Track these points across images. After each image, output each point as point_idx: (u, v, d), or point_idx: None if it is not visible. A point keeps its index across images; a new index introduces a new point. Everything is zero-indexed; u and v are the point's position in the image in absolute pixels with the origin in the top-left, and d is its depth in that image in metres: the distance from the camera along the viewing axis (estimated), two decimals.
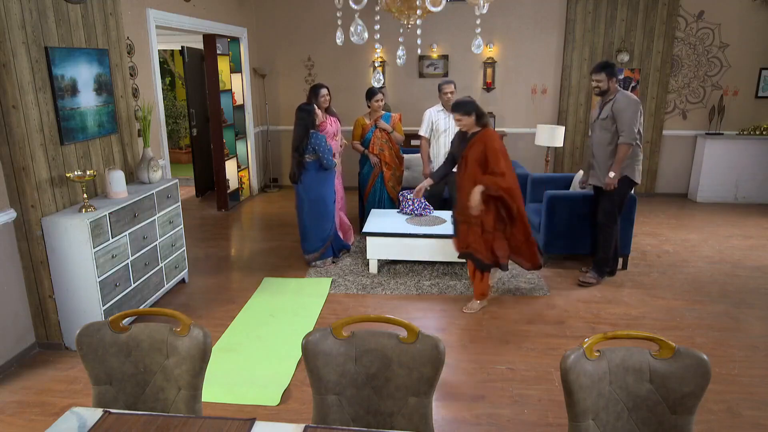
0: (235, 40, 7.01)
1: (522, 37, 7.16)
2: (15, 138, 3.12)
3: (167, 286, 4.24)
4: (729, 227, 6.00)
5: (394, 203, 5.47)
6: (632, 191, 4.44)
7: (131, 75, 4.54)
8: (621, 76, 6.90)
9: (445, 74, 7.33)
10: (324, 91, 5.06)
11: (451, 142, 4.20)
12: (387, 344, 1.81)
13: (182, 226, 4.44)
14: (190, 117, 7.26)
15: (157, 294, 4.08)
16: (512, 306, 4.12)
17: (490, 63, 7.25)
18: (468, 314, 3.98)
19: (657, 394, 1.65)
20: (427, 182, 4.22)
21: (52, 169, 3.37)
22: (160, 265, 4.11)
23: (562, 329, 3.76)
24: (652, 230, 5.91)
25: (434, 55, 7.33)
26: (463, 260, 4.18)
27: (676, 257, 5.11)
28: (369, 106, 5.36)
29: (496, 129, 7.24)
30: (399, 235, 4.62)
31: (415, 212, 5.05)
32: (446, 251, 4.60)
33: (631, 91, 6.92)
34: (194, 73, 7.20)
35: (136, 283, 3.79)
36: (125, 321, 1.89)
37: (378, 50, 7.30)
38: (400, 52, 3.05)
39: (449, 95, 4.98)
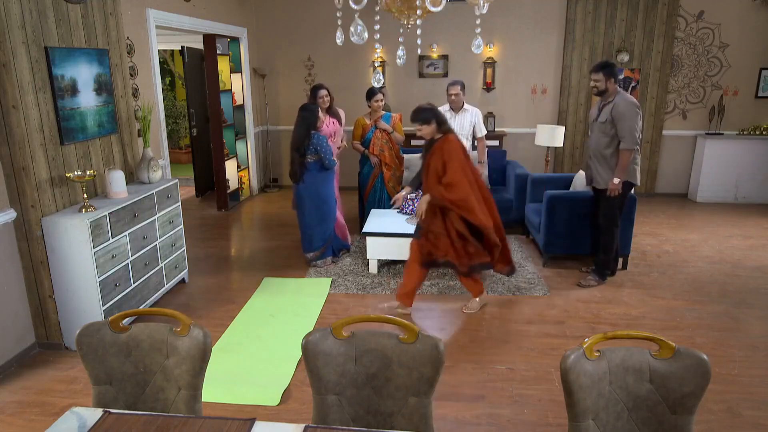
0: (235, 40, 7.01)
1: (522, 37, 7.16)
2: (15, 138, 3.12)
3: (167, 286, 4.24)
4: (729, 227, 6.00)
5: None
6: (632, 191, 4.44)
7: (131, 75, 4.54)
8: (621, 76, 6.90)
9: (445, 74, 7.34)
10: (323, 92, 5.05)
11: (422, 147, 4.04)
12: (387, 344, 1.81)
13: (182, 226, 4.44)
14: (190, 117, 7.26)
15: (157, 294, 4.08)
16: (512, 306, 4.12)
17: (490, 63, 7.25)
18: (468, 314, 3.98)
19: (657, 394, 1.65)
20: (405, 191, 4.05)
21: (52, 169, 3.37)
22: (160, 265, 4.11)
23: (562, 329, 3.76)
24: (652, 230, 5.91)
25: (434, 55, 7.33)
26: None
27: (676, 257, 5.11)
28: (369, 106, 5.37)
29: (496, 129, 7.26)
30: (399, 235, 4.62)
31: (415, 212, 5.04)
32: None
33: (631, 92, 6.95)
34: (194, 73, 7.20)
35: (136, 283, 3.79)
36: (125, 321, 1.89)
37: (378, 50, 7.30)
38: (400, 52, 3.05)
39: (453, 97, 4.99)
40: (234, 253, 5.51)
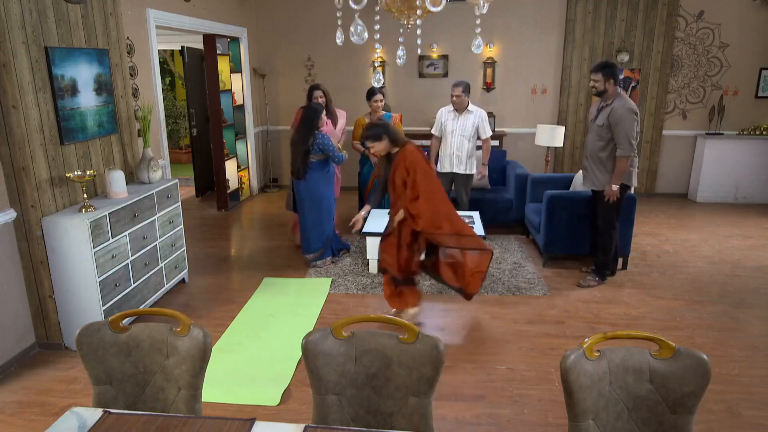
0: (235, 40, 7.01)
1: (522, 37, 7.16)
2: (15, 138, 3.12)
3: (167, 286, 4.24)
4: (729, 227, 6.00)
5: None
6: (632, 191, 4.44)
7: (131, 75, 4.54)
8: (621, 76, 6.89)
9: (445, 74, 7.34)
10: (318, 92, 5.07)
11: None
12: (387, 344, 1.81)
13: (182, 226, 4.44)
14: (190, 117, 7.26)
15: (157, 294, 4.08)
16: (512, 306, 4.12)
17: (490, 63, 7.25)
18: (468, 314, 3.98)
19: (657, 394, 1.65)
20: (365, 211, 3.84)
21: (52, 169, 3.37)
22: (160, 265, 4.11)
23: (562, 329, 3.76)
24: (652, 230, 5.91)
25: (434, 55, 7.33)
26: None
27: (676, 257, 5.11)
28: (370, 106, 5.37)
29: (496, 129, 7.25)
30: None
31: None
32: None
33: (631, 92, 6.94)
34: (194, 73, 7.20)
35: (136, 283, 3.79)
36: (125, 321, 1.89)
37: (378, 50, 7.30)
38: (400, 52, 3.05)
39: (455, 98, 4.99)
40: (234, 253, 5.51)
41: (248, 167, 7.58)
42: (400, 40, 3.04)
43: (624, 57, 6.91)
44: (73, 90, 3.54)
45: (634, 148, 4.08)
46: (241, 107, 7.29)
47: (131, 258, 3.72)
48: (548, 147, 6.41)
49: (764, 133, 6.87)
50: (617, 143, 4.08)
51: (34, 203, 3.25)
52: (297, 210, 5.04)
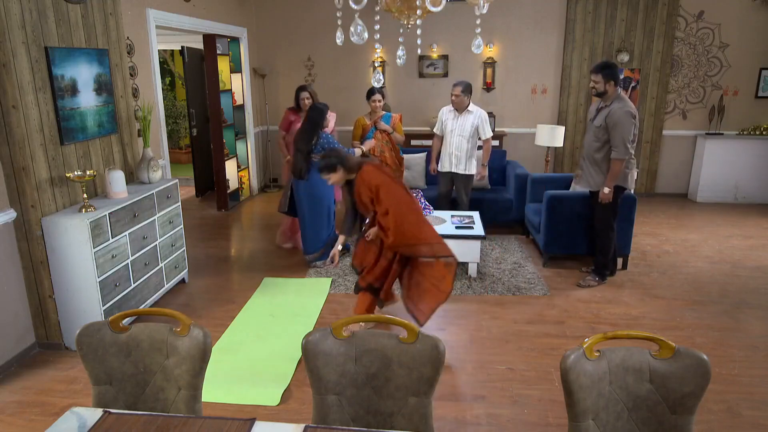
0: (235, 40, 7.01)
1: (522, 37, 7.16)
2: (15, 138, 3.12)
3: (167, 286, 4.24)
4: (729, 227, 6.00)
5: None
6: (632, 191, 4.44)
7: (131, 75, 4.54)
8: (621, 76, 6.89)
9: (445, 74, 7.34)
10: (305, 93, 5.11)
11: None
12: (387, 344, 1.81)
13: (182, 226, 4.44)
14: (190, 117, 7.26)
15: (157, 294, 4.08)
16: (512, 306, 4.12)
17: (490, 63, 7.25)
18: (468, 314, 3.98)
19: (657, 394, 1.65)
20: (339, 243, 3.65)
21: (52, 169, 3.37)
22: (160, 265, 4.11)
23: (562, 329, 3.76)
24: (652, 230, 5.91)
25: (434, 55, 7.33)
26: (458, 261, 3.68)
27: (676, 257, 5.11)
28: (369, 106, 5.37)
29: (496, 129, 7.26)
30: None
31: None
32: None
33: (631, 92, 6.94)
34: (194, 73, 7.20)
35: (136, 283, 3.79)
36: (125, 321, 1.89)
37: (378, 50, 7.30)
38: (400, 52, 3.05)
39: (454, 98, 4.99)
40: (234, 253, 5.51)
41: (248, 167, 7.58)
42: (400, 40, 3.05)
43: (624, 57, 6.91)
44: (73, 90, 3.54)
45: (630, 152, 4.05)
46: (241, 107, 7.29)
47: (131, 258, 3.72)
48: (548, 147, 6.41)
49: (764, 133, 6.87)
50: (612, 145, 4.07)
51: (34, 203, 3.25)
52: (290, 212, 5.04)
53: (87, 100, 3.67)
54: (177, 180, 4.39)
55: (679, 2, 6.73)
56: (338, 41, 2.81)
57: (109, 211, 3.47)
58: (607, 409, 1.65)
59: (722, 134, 6.95)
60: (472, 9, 3.18)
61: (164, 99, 8.09)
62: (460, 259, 4.63)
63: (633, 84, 7.00)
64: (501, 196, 5.79)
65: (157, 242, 4.04)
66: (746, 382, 3.12)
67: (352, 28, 2.63)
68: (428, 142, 6.32)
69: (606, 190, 4.15)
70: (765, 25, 6.72)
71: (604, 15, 6.85)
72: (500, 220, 5.79)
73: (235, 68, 7.06)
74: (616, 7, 6.80)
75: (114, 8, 3.96)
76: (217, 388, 3.04)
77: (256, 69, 7.47)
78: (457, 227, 4.68)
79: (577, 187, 4.55)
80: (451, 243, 4.56)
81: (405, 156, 5.85)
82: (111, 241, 3.49)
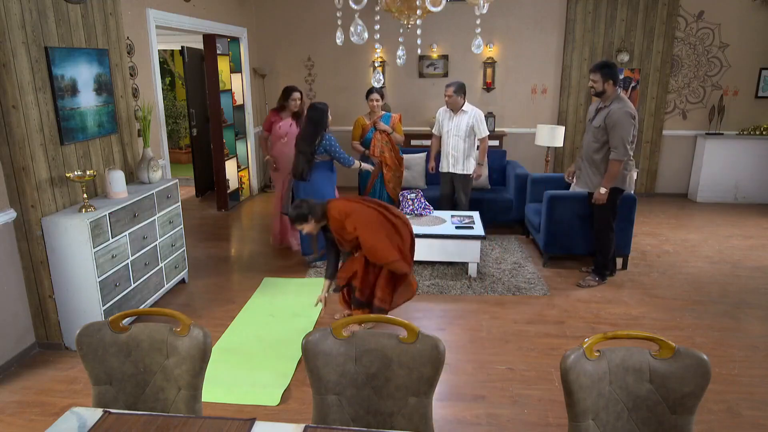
0: (235, 40, 7.01)
1: (522, 37, 7.16)
2: (15, 138, 3.12)
3: (167, 286, 4.24)
4: (729, 227, 6.00)
5: (394, 204, 5.47)
6: (632, 192, 4.44)
7: (131, 75, 4.54)
8: (621, 76, 6.89)
9: (445, 74, 7.34)
10: (296, 94, 5.08)
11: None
12: (387, 344, 1.81)
13: (182, 226, 4.44)
14: (190, 117, 7.26)
15: (157, 294, 4.08)
16: (512, 306, 4.12)
17: (490, 63, 7.25)
18: (468, 314, 3.98)
19: (657, 394, 1.65)
20: (325, 288, 3.65)
21: (52, 169, 3.37)
22: (160, 265, 4.11)
23: (562, 329, 3.76)
24: (652, 230, 5.91)
25: (434, 55, 7.33)
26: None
27: (676, 257, 5.11)
28: (368, 106, 5.37)
29: (496, 129, 7.26)
30: None
31: (415, 212, 5.05)
32: (446, 251, 4.60)
33: (631, 92, 6.94)
34: (194, 73, 7.20)
35: (136, 283, 3.79)
36: (125, 321, 1.89)
37: (378, 50, 7.30)
38: (400, 52, 3.05)
39: (447, 98, 5.00)
40: (234, 253, 5.51)
41: (248, 167, 7.58)
42: (400, 40, 3.04)
43: (624, 57, 6.91)
44: (73, 90, 3.54)
45: (629, 153, 4.04)
46: (241, 107, 7.29)
47: (131, 258, 3.72)
48: (548, 147, 6.41)
49: (764, 133, 6.87)
50: (612, 146, 4.06)
51: (34, 203, 3.25)
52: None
53: (87, 100, 3.67)
54: (177, 180, 4.39)
55: (679, 2, 6.73)
56: (338, 41, 2.81)
57: (109, 211, 3.47)
58: (607, 409, 1.65)
59: (722, 134, 6.95)
60: (472, 9, 3.18)
61: (164, 99, 8.09)
62: (461, 260, 4.65)
63: (633, 84, 7.00)
64: (501, 196, 5.79)
65: (157, 242, 4.04)
66: (746, 382, 3.12)
67: (352, 28, 2.63)
68: (428, 142, 6.31)
69: (602, 190, 4.13)
70: (765, 25, 6.72)
71: (604, 15, 6.86)
72: (500, 220, 5.80)
73: (235, 68, 7.06)
74: (616, 7, 6.80)
75: (114, 8, 3.96)
76: (217, 388, 3.04)
77: (256, 69, 7.47)
78: (457, 227, 4.69)
79: (576, 188, 4.55)
80: (451, 243, 4.59)
81: (405, 156, 5.85)
82: (111, 241, 3.49)
